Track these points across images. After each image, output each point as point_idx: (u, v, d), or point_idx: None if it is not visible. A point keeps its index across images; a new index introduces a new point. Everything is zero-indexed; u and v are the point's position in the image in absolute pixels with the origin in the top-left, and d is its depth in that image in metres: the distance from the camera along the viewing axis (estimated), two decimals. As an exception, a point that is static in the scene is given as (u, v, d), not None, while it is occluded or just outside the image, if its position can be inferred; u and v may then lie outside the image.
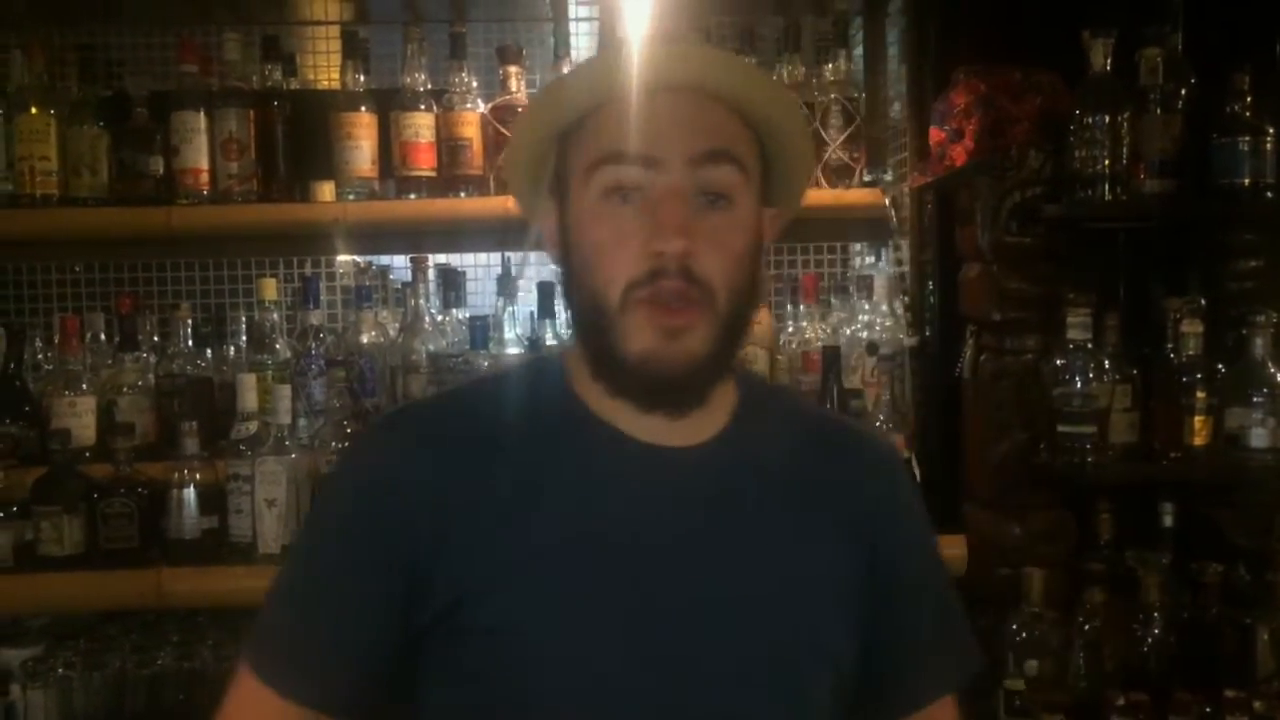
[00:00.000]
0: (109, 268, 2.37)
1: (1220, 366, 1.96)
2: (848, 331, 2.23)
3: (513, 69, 2.16)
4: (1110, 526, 2.01)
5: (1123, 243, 2.18)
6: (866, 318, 2.23)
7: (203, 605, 2.01)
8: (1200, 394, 1.91)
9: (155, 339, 2.23)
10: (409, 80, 2.14)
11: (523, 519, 0.95)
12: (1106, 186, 1.92)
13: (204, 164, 2.11)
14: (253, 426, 1.98)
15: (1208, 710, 1.84)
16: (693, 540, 0.97)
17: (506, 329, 2.23)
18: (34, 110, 2.09)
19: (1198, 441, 1.91)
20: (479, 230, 2.22)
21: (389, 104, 2.14)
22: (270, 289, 2.13)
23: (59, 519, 1.91)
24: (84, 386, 2.06)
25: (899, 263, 2.26)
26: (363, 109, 2.12)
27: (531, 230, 1.07)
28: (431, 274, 2.23)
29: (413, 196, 2.13)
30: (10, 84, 2.13)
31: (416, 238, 2.24)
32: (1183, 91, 1.94)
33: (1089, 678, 1.90)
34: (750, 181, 0.96)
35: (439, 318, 2.22)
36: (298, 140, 2.16)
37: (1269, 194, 1.92)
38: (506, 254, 2.39)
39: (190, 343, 2.16)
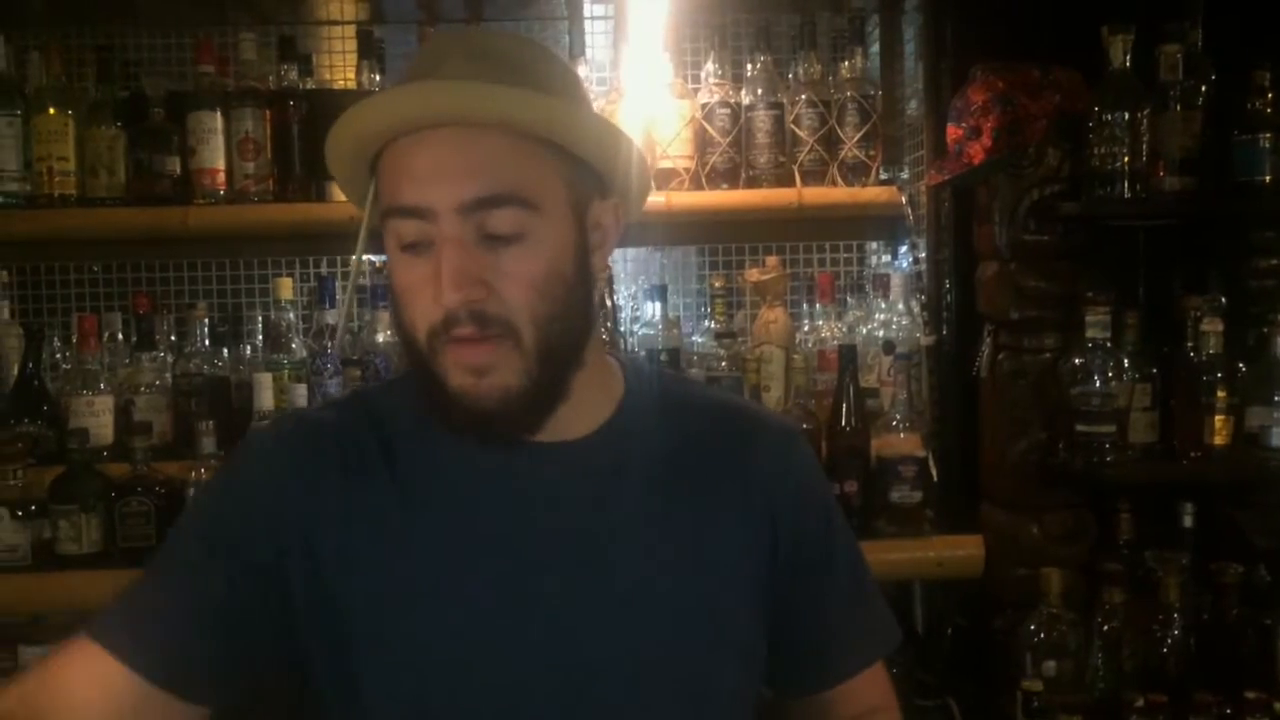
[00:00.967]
0: (126, 268, 2.38)
1: (1241, 365, 1.94)
2: (864, 330, 2.22)
3: (528, 68, 2.16)
4: (1129, 527, 2.00)
5: (1142, 241, 2.17)
6: (883, 316, 2.22)
7: (219, 604, 2.02)
8: (1220, 393, 1.89)
9: (172, 338, 2.23)
10: (424, 80, 2.14)
11: (403, 524, 0.96)
12: (1126, 184, 1.90)
13: (220, 164, 2.11)
14: (269, 426, 1.98)
15: (1228, 712, 1.82)
16: (574, 536, 0.97)
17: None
18: (52, 111, 2.10)
19: (1218, 441, 1.90)
20: (494, 229, 2.21)
21: (404, 103, 2.13)
22: (286, 288, 2.14)
23: (77, 518, 1.92)
24: (102, 386, 2.07)
25: (915, 261, 2.25)
26: (378, 108, 2.12)
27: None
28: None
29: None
30: (28, 85, 2.14)
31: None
32: (1203, 88, 1.93)
33: (1107, 679, 1.89)
34: (550, 207, 0.92)
35: (454, 317, 2.21)
36: (314, 140, 2.16)
37: (1291, 191, 1.90)
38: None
39: (207, 342, 2.17)
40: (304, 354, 2.13)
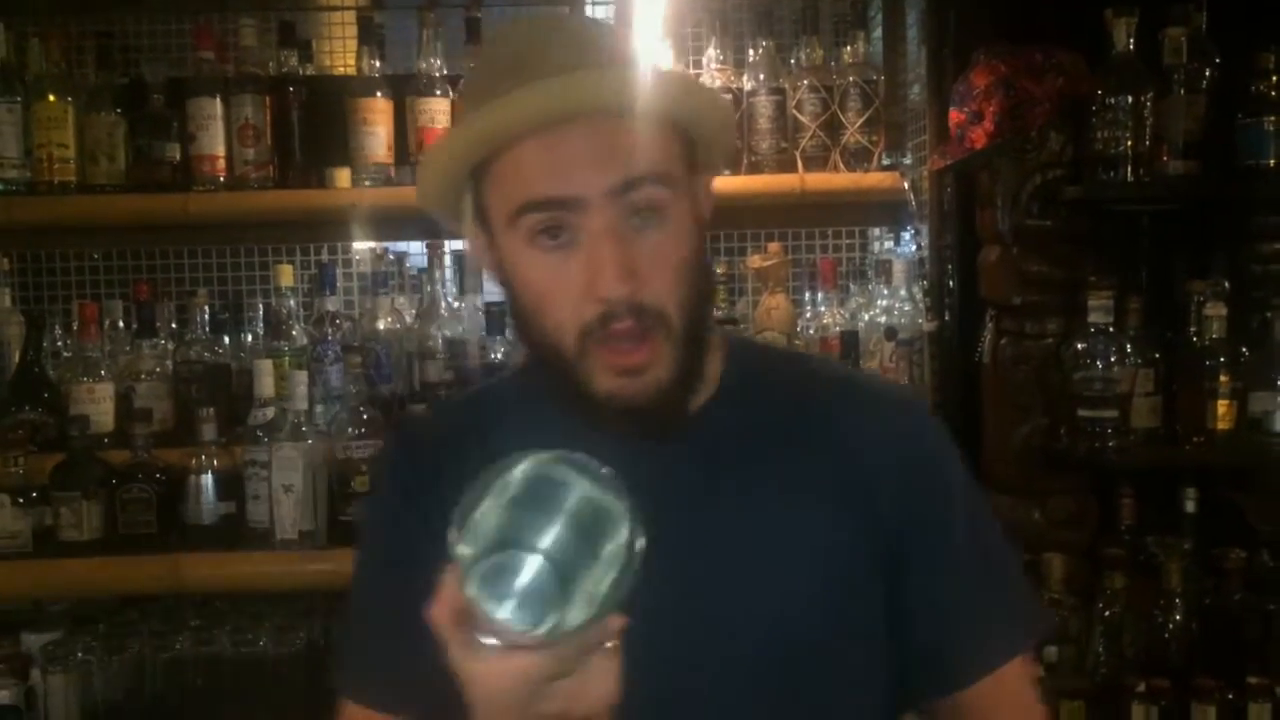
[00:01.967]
0: (127, 255, 2.38)
1: (1244, 350, 1.93)
2: (866, 316, 2.22)
3: (528, 53, 2.15)
4: (1132, 512, 1.99)
5: (1145, 225, 2.16)
6: (885, 302, 2.22)
7: (221, 590, 2.03)
8: (1223, 378, 1.89)
9: (173, 326, 2.23)
10: (425, 65, 2.13)
11: None
12: (1129, 168, 1.89)
13: (220, 150, 2.11)
14: (270, 412, 1.98)
15: (1230, 697, 1.82)
16: (671, 523, 0.92)
17: (523, 315, 2.23)
18: (51, 98, 2.09)
19: (1221, 426, 1.89)
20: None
21: (405, 89, 2.13)
22: (287, 275, 2.14)
23: (78, 505, 1.93)
24: (102, 373, 2.07)
25: (918, 247, 2.25)
26: (379, 95, 2.12)
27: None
28: (448, 260, 2.23)
29: (429, 181, 2.12)
30: (28, 72, 2.13)
31: (432, 223, 2.21)
32: (1207, 71, 1.92)
33: (1109, 664, 1.89)
34: (680, 184, 0.91)
35: (455, 304, 2.21)
36: (314, 126, 2.16)
37: (1294, 175, 1.89)
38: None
39: (208, 329, 2.17)
40: (304, 341, 2.12)
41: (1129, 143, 1.88)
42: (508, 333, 2.16)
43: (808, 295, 2.31)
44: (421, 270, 2.25)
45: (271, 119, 2.13)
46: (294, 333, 2.13)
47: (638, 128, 0.88)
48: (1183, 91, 1.89)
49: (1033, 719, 1.02)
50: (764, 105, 2.16)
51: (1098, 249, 2.01)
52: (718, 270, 2.24)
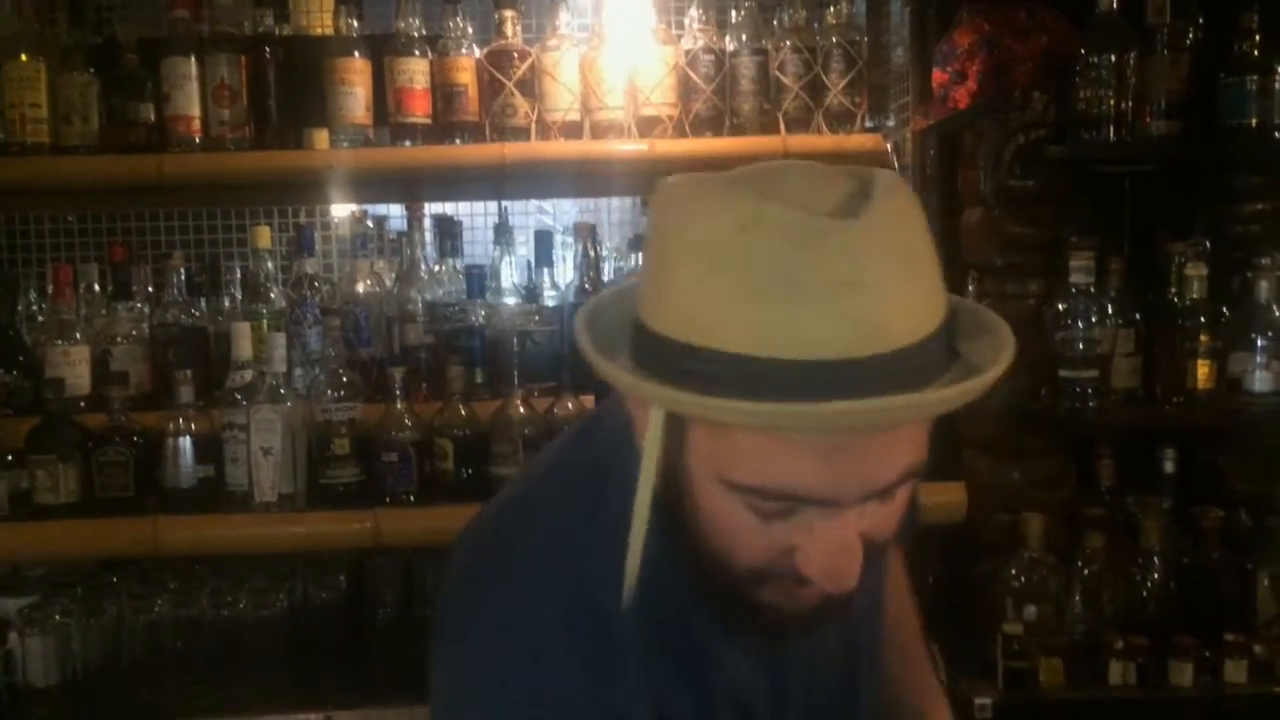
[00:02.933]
0: (101, 218, 2.35)
1: (1224, 311, 1.93)
2: (848, 279, 2.20)
3: (508, 14, 2.12)
4: (1111, 472, 2.00)
5: (1128, 187, 2.15)
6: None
7: (200, 553, 2.01)
8: (1203, 338, 1.89)
9: (149, 289, 2.21)
10: (403, 25, 2.10)
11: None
12: (1112, 128, 1.89)
13: (195, 111, 2.07)
14: (248, 375, 1.97)
15: (1206, 654, 1.83)
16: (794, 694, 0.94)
17: (504, 278, 2.22)
18: (24, 57, 2.05)
19: (1200, 386, 1.89)
20: (475, 177, 2.19)
21: (383, 50, 2.10)
22: (264, 236, 2.11)
23: (54, 468, 1.91)
24: (78, 336, 2.05)
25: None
26: (356, 55, 2.08)
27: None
28: (428, 224, 2.21)
29: (408, 143, 2.10)
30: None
31: (412, 185, 2.22)
32: (1190, 30, 1.91)
33: (1088, 622, 1.90)
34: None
35: (435, 267, 2.20)
36: (290, 87, 2.13)
37: (1277, 134, 1.89)
38: (504, 203, 2.36)
39: (184, 292, 2.14)
40: (283, 304, 2.11)
41: (1112, 102, 1.88)
42: (488, 295, 2.15)
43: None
44: (401, 233, 2.23)
45: (247, 79, 2.10)
46: (272, 295, 2.11)
47: (923, 428, 0.75)
48: (1166, 51, 1.89)
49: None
50: (746, 66, 2.14)
51: (1080, 210, 2.01)
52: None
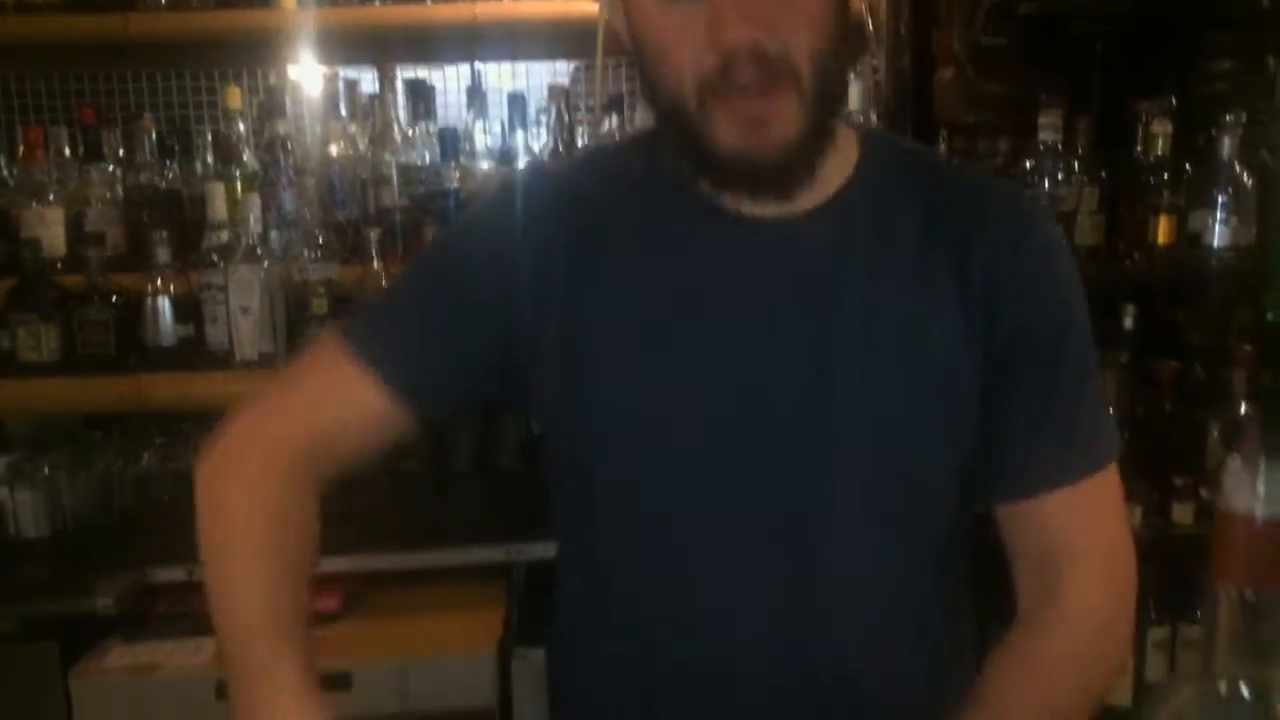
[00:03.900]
0: (69, 78, 2.31)
1: (1187, 168, 1.96)
2: (821, 141, 2.21)
3: None
4: (1073, 329, 2.05)
5: (1100, 48, 2.16)
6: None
7: (184, 409, 2.05)
8: (1166, 194, 1.92)
9: (120, 153, 2.19)
10: (369, -124, 2.06)
11: (615, 292, 0.94)
12: (1084, -17, 1.89)
13: (161, -33, 2.04)
14: (224, 236, 1.98)
15: (1155, 497, 1.92)
16: (784, 316, 0.92)
17: (477, 141, 2.22)
18: (-21, -89, 2.01)
19: (1160, 241, 1.93)
20: (446, 37, 2.17)
21: (350, -98, 2.06)
22: (235, 97, 2.10)
23: (35, 327, 1.93)
24: (51, 198, 2.04)
25: (875, 70, 2.24)
26: (322, -92, 2.05)
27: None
28: (400, 87, 2.20)
29: (378, 2, 2.08)
30: (-49, -117, 2.04)
31: (382, 46, 2.20)
32: (1165, -118, 1.89)
33: (1045, 470, 1.97)
34: None
35: (409, 131, 2.19)
36: (257, -58, 2.09)
37: (1246, -11, 1.89)
38: (476, 65, 2.34)
39: (155, 154, 2.13)
40: (255, 166, 2.10)
41: (1084, -43, 1.87)
42: (461, 159, 2.15)
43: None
44: (373, 96, 2.21)
45: (213, -67, 2.06)
46: (245, 157, 2.11)
47: None
48: (1140, -96, 1.88)
49: (1104, 536, 0.97)
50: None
51: (1051, 69, 2.02)
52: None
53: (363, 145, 2.19)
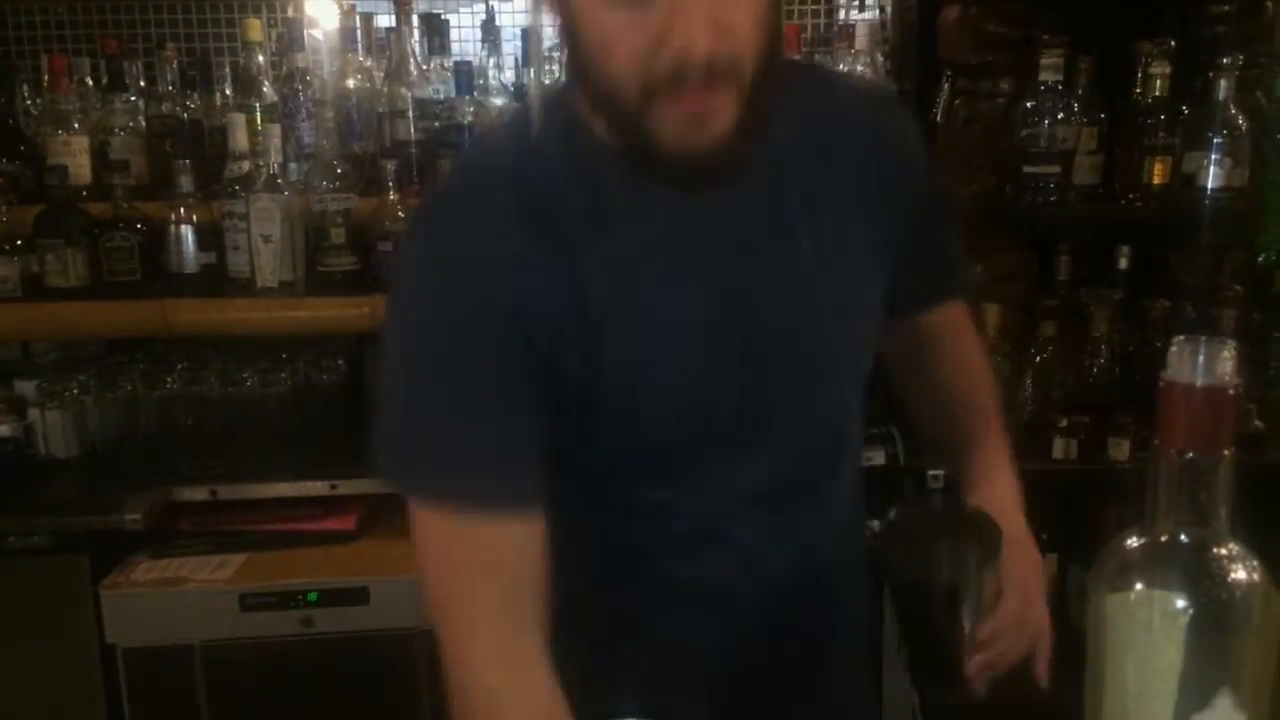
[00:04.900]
0: (91, 9, 2.36)
1: (1184, 109, 2.01)
2: (828, 81, 2.25)
3: None
4: (1068, 267, 2.11)
5: (1103, -9, 2.19)
6: (848, 67, 2.25)
7: (207, 334, 2.12)
8: (1162, 134, 1.97)
9: (141, 84, 2.24)
10: None
11: (618, 276, 0.94)
12: (1088, -75, 1.91)
13: (179, -102, 2.07)
14: (245, 166, 2.03)
15: (1142, 432, 1.99)
16: (751, 257, 0.98)
17: (491, 76, 2.26)
18: None
19: (1156, 182, 1.98)
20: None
21: None
22: (255, 29, 2.14)
23: (62, 252, 2.00)
24: (76, 126, 2.09)
25: (881, 10, 2.27)
26: None
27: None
28: (415, 20, 2.24)
29: (394, -64, 2.11)
30: None
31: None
32: None
33: (1037, 403, 2.04)
34: None
35: (424, 65, 2.23)
36: (274, -125, 2.12)
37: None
38: (490, 1, 2.38)
39: (178, 85, 2.18)
40: (274, 98, 2.15)
41: (1090, -103, 1.90)
42: (475, 94, 2.20)
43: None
44: (390, 29, 2.25)
45: None
46: (264, 89, 2.15)
47: None
48: None
49: (971, 342, 1.24)
50: None
51: (1055, 10, 2.05)
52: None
53: (379, 79, 2.24)
